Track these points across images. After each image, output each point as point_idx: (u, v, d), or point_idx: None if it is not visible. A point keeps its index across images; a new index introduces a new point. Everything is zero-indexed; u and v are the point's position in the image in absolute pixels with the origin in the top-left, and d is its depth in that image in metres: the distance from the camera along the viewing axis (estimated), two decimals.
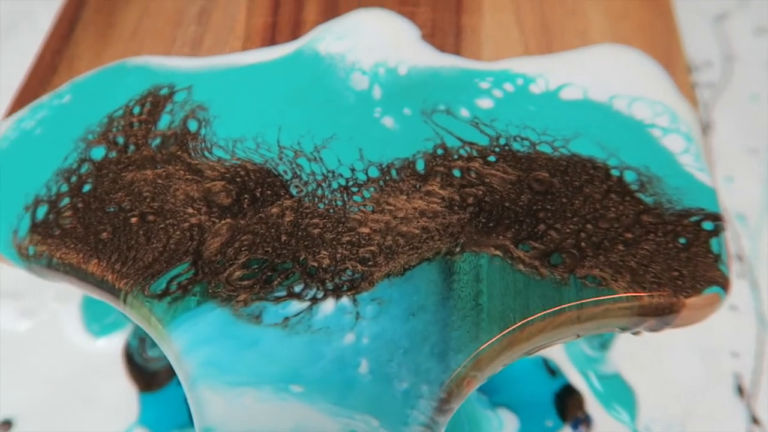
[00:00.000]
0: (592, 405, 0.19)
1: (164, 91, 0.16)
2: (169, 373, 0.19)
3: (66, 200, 0.14)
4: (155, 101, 0.15)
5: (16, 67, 0.25)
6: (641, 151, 0.15)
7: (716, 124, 0.25)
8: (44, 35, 0.24)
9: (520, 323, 0.13)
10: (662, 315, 0.13)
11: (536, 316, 0.13)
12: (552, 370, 0.20)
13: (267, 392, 0.12)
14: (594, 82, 0.16)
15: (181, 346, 0.12)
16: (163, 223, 0.14)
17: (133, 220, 0.14)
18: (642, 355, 0.20)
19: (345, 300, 0.13)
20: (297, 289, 0.13)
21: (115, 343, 0.20)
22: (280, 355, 0.12)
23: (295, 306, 0.13)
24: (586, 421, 0.19)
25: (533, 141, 0.15)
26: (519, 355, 0.13)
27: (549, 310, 0.13)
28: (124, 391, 0.19)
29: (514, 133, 0.15)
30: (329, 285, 0.13)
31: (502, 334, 0.13)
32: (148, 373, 0.19)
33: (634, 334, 0.16)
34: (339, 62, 0.16)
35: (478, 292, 0.13)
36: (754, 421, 0.19)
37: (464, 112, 0.16)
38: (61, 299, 0.20)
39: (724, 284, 0.13)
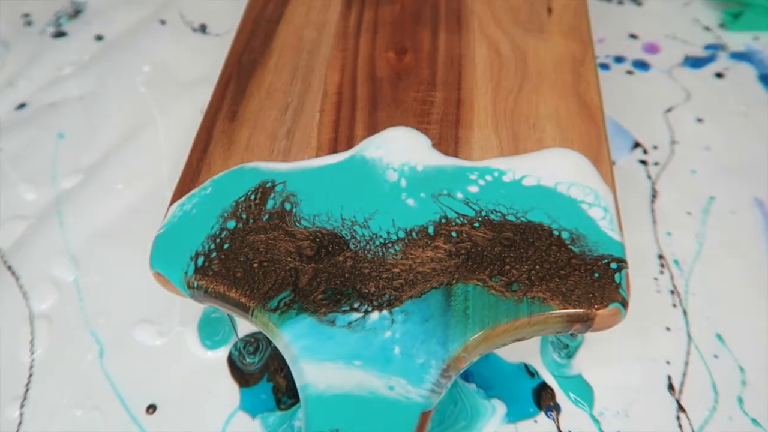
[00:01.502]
0: (561, 397, 0.27)
1: (269, 185, 0.25)
2: (261, 374, 0.28)
3: (214, 254, 0.23)
4: (263, 191, 0.25)
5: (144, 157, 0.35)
6: (574, 219, 0.23)
7: (660, 193, 0.34)
8: (164, 136, 0.34)
9: (492, 326, 0.21)
10: (583, 321, 0.21)
11: (502, 322, 0.21)
12: (531, 373, 0.28)
13: (340, 364, 0.20)
14: (545, 173, 0.25)
15: (288, 340, 0.21)
16: (273, 267, 0.22)
17: (255, 265, 0.23)
18: (598, 364, 0.28)
19: (385, 312, 0.21)
20: (356, 305, 0.21)
21: (221, 354, 0.28)
22: (347, 344, 0.21)
23: (355, 315, 0.21)
24: (556, 408, 0.27)
25: (503, 213, 0.24)
26: (493, 346, 0.21)
27: (510, 320, 0.21)
28: (229, 387, 0.27)
29: (491, 208, 0.24)
30: (375, 303, 0.22)
31: (481, 332, 0.21)
32: (246, 374, 0.28)
33: (571, 335, 0.24)
34: (378, 163, 0.25)
35: (466, 306, 0.21)
36: (681, 409, 0.26)
37: (459, 195, 0.24)
38: (184, 323, 0.29)
39: (623, 303, 0.21)
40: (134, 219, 0.33)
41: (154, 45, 0.42)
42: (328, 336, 0.21)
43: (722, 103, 0.38)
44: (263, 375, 0.28)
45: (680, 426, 0.26)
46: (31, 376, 0.28)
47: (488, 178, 0.25)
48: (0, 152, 0.36)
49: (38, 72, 0.40)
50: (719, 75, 0.40)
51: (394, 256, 0.23)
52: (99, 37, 0.43)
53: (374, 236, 0.23)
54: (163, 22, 0.44)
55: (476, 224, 0.23)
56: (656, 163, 0.35)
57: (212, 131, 0.27)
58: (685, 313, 0.29)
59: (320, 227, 0.23)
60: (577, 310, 0.21)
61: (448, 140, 0.26)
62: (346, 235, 0.23)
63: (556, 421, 0.26)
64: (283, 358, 0.28)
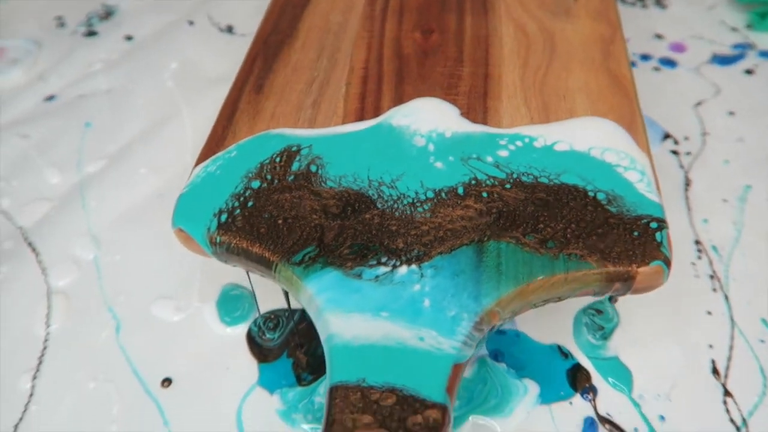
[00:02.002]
0: (597, 380, 0.25)
1: (294, 149, 0.24)
2: (280, 351, 0.27)
3: (238, 211, 0.22)
4: (289, 154, 0.24)
5: (172, 146, 0.35)
6: (609, 181, 0.23)
7: (693, 181, 0.33)
8: (190, 128, 0.34)
9: (527, 282, 0.20)
10: (623, 280, 0.20)
11: (537, 278, 0.20)
12: (565, 354, 0.26)
13: (367, 316, 0.19)
14: (578, 139, 0.24)
15: (313, 292, 0.20)
16: (297, 224, 0.22)
17: (279, 221, 0.22)
18: (636, 346, 0.26)
19: (413, 266, 0.20)
20: (383, 260, 0.21)
21: (240, 331, 0.27)
22: (374, 297, 0.20)
23: (382, 269, 0.20)
24: (593, 390, 0.25)
25: (535, 176, 0.23)
26: (527, 303, 0.20)
27: (546, 276, 0.20)
28: (247, 363, 0.26)
29: (523, 171, 0.23)
30: (403, 258, 0.21)
31: (515, 288, 0.20)
32: (265, 350, 0.27)
33: (610, 300, 0.23)
34: (405, 130, 0.25)
35: (499, 263, 0.20)
36: (727, 393, 0.25)
37: (489, 159, 0.24)
38: (203, 300, 0.28)
39: (665, 261, 0.20)
40: (157, 203, 0.33)
41: (182, 44, 0.42)
42: (354, 289, 0.20)
43: (753, 97, 0.37)
44: (283, 351, 0.27)
45: (728, 411, 0.24)
46: (45, 349, 0.27)
47: (518, 143, 0.24)
48: (27, 139, 0.36)
49: (68, 68, 0.41)
50: (749, 71, 0.39)
51: (423, 215, 0.22)
52: (129, 38, 0.44)
53: (402, 196, 0.22)
54: (191, 23, 0.44)
55: (507, 185, 0.23)
56: (688, 153, 0.34)
57: (238, 103, 0.27)
58: (726, 297, 0.28)
59: (346, 187, 0.23)
60: (618, 268, 0.20)
61: (477, 110, 0.26)
62: (373, 194, 0.23)
63: (593, 403, 0.25)
64: (304, 335, 0.27)
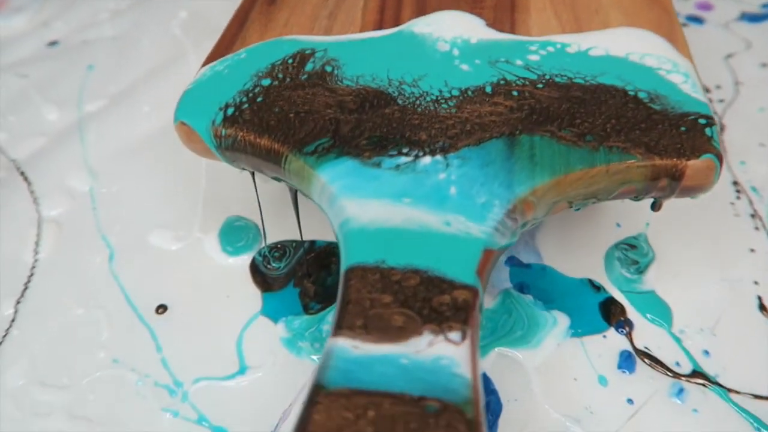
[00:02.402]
0: (632, 315, 0.23)
1: (308, 51, 0.23)
2: (286, 280, 0.24)
3: (246, 105, 0.21)
4: (302, 56, 0.22)
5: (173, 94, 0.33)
6: (651, 82, 0.21)
7: (728, 126, 0.31)
8: (196, 68, 0.33)
9: (564, 173, 0.18)
10: (671, 176, 0.18)
11: (576, 169, 0.18)
12: (596, 287, 0.24)
13: (386, 201, 0.17)
14: (614, 45, 0.22)
15: (326, 179, 0.18)
16: (310, 117, 0.20)
17: (291, 115, 0.20)
18: (674, 282, 0.24)
19: (438, 156, 0.18)
20: (404, 150, 0.19)
21: (243, 261, 0.25)
22: (394, 184, 0.18)
23: (404, 159, 0.18)
24: (628, 324, 0.23)
25: (570, 77, 0.21)
26: (565, 196, 0.18)
27: (585, 167, 0.18)
28: (250, 292, 0.24)
29: (556, 72, 0.21)
30: (427, 149, 0.19)
31: (552, 178, 0.18)
32: (270, 279, 0.24)
33: (654, 207, 0.21)
34: (428, 36, 0.23)
35: (533, 154, 0.18)
36: None
37: (519, 62, 0.22)
38: (204, 231, 0.26)
39: (717, 155, 0.18)
40: (160, 139, 0.31)
41: None
42: (372, 176, 0.18)
43: None
44: (289, 281, 0.24)
45: None
46: (31, 276, 0.25)
47: (550, 49, 0.22)
48: (26, 78, 0.35)
49: (73, 16, 0.40)
50: None
51: (448, 110, 0.20)
52: None
53: (425, 93, 0.21)
54: None
55: (539, 86, 0.21)
56: (721, 101, 0.32)
57: (250, 13, 0.25)
58: None
59: (364, 86, 0.21)
60: (665, 161, 0.18)
61: (504, 21, 0.24)
62: (393, 92, 0.21)
63: (629, 336, 0.22)
64: (312, 265, 0.25)
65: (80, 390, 0.22)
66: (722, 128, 0.31)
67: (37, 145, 0.31)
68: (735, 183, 0.28)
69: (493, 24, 0.24)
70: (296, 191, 0.22)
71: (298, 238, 0.25)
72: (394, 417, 0.13)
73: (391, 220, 0.17)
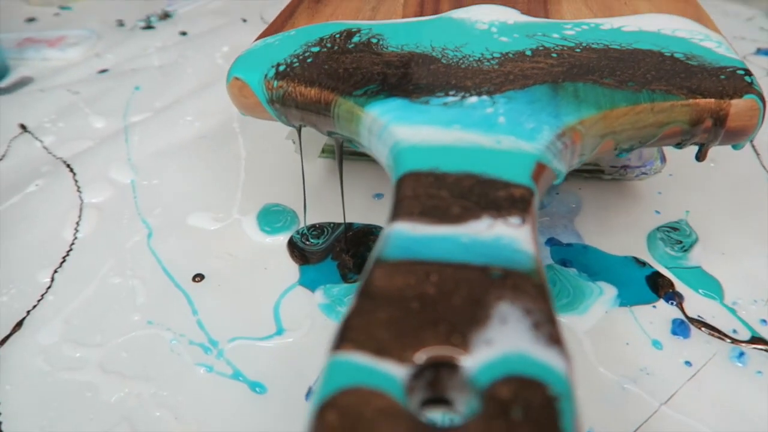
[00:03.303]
0: (681, 288, 0.22)
1: (354, 29, 0.24)
2: (324, 254, 0.24)
3: (296, 63, 0.22)
4: (349, 32, 0.24)
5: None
6: (685, 46, 0.21)
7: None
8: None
9: (609, 108, 0.18)
10: (715, 115, 0.18)
11: (620, 106, 0.18)
12: (641, 263, 0.23)
13: (436, 127, 0.18)
14: (646, 23, 0.23)
15: (376, 114, 0.19)
16: (359, 71, 0.21)
17: (340, 71, 0.21)
18: (722, 258, 0.23)
19: (484, 97, 0.19)
20: (451, 92, 0.19)
21: (281, 240, 0.25)
22: (443, 115, 0.18)
23: (451, 98, 0.19)
24: (678, 296, 0.22)
25: (606, 44, 0.22)
26: (612, 131, 0.18)
27: (630, 104, 0.18)
28: (288, 266, 0.24)
29: (592, 41, 0.22)
30: (473, 92, 0.19)
31: (598, 112, 0.18)
32: (308, 254, 0.24)
33: (699, 157, 0.21)
34: (466, 20, 0.24)
35: (577, 94, 0.19)
36: None
37: (555, 35, 0.23)
38: (243, 212, 0.27)
39: (759, 95, 0.19)
40: (200, 143, 0.32)
41: (234, 35, 0.44)
42: (421, 110, 0.18)
43: None
44: (326, 255, 0.24)
45: None
46: (70, 251, 0.25)
47: (584, 27, 0.23)
48: (77, 95, 0.37)
49: (124, 50, 0.43)
50: None
51: (491, 66, 0.21)
52: (183, 33, 0.45)
53: (467, 56, 0.21)
54: (244, 21, 0.46)
55: (577, 50, 0.22)
56: None
57: (296, 8, 0.27)
58: None
59: (409, 51, 0.22)
60: (708, 101, 0.18)
61: (537, 10, 0.25)
62: (437, 55, 0.22)
63: (681, 306, 0.22)
64: (351, 241, 0.25)
65: (113, 348, 0.21)
66: None
67: (83, 146, 0.32)
68: None
69: (528, 13, 0.25)
70: (341, 149, 0.23)
71: (335, 222, 0.25)
72: (457, 280, 0.12)
73: (442, 140, 0.17)
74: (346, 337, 0.11)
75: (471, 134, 0.17)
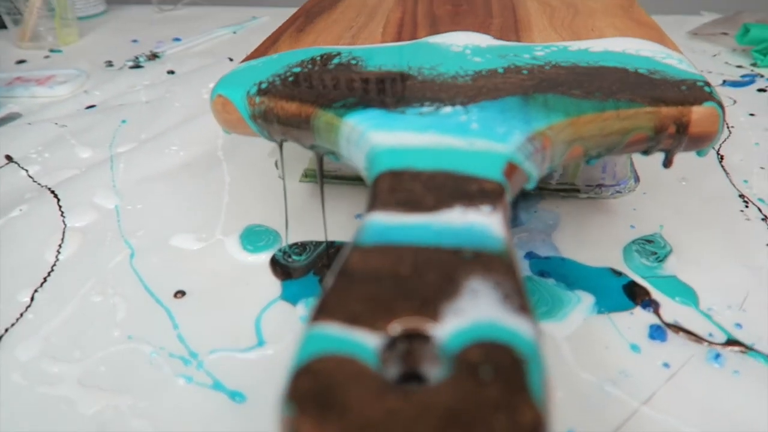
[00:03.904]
0: (657, 296, 0.23)
1: (334, 53, 0.25)
2: (305, 270, 0.24)
3: (278, 81, 0.22)
4: (329, 55, 0.25)
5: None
6: (648, 64, 0.23)
7: (726, 156, 0.32)
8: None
9: (577, 115, 0.19)
10: (678, 122, 0.19)
11: (588, 112, 0.19)
12: (617, 273, 0.24)
13: (411, 132, 0.18)
14: (611, 45, 0.25)
15: (354, 123, 0.19)
16: (338, 86, 0.22)
17: (320, 87, 0.22)
18: (695, 269, 0.24)
19: (458, 106, 0.20)
20: (426, 103, 0.20)
21: (263, 258, 0.25)
22: (419, 123, 0.19)
23: (427, 108, 0.20)
24: (654, 303, 0.22)
25: (574, 62, 0.23)
26: (579, 137, 0.19)
27: (597, 112, 0.19)
28: (270, 282, 0.24)
29: (560, 60, 0.23)
30: (447, 103, 0.20)
31: (566, 118, 0.19)
32: (290, 269, 0.24)
33: (666, 165, 0.21)
34: (441, 44, 0.26)
35: (546, 104, 0.20)
36: None
37: (526, 56, 0.24)
38: (225, 233, 0.27)
39: (718, 103, 0.20)
40: (185, 170, 0.32)
41: (221, 72, 0.45)
42: (397, 119, 0.19)
43: None
44: (308, 271, 0.24)
45: None
46: (51, 271, 0.25)
47: (553, 48, 0.25)
48: (64, 128, 0.37)
49: (112, 88, 0.44)
50: (762, 90, 0.41)
51: (465, 82, 0.22)
52: (171, 72, 0.47)
53: (442, 74, 0.22)
54: (230, 59, 0.48)
55: (546, 68, 0.23)
56: None
57: (280, 37, 0.28)
58: None
59: (387, 70, 0.23)
60: (671, 108, 0.19)
61: (509, 35, 0.27)
62: (414, 73, 0.23)
63: (657, 313, 0.22)
64: (333, 256, 0.25)
65: (92, 362, 0.21)
66: (722, 157, 0.32)
67: (68, 175, 0.32)
68: (741, 196, 0.29)
69: (500, 38, 0.26)
70: (322, 162, 0.23)
71: (317, 240, 0.26)
72: (430, 261, 0.13)
73: (417, 143, 0.18)
74: (322, 310, 0.11)
75: (445, 138, 0.18)
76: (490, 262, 0.13)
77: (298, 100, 0.21)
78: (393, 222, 0.14)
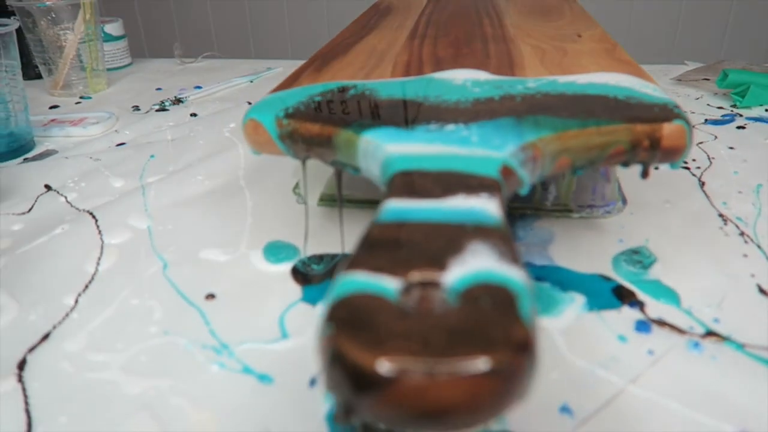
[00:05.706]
0: (642, 297, 0.25)
1: (350, 85, 0.28)
2: (324, 277, 0.27)
3: (302, 107, 0.26)
4: (346, 87, 0.28)
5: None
6: (627, 92, 0.26)
7: (707, 182, 0.35)
8: (244, 156, 0.39)
9: (563, 131, 0.22)
10: (651, 137, 0.22)
11: (573, 128, 0.22)
12: (607, 278, 0.26)
13: (420, 143, 0.21)
14: (596, 78, 0.28)
15: (370, 138, 0.22)
16: (354, 110, 0.25)
17: (339, 111, 0.25)
18: (678, 274, 0.26)
19: (460, 124, 0.23)
20: (432, 122, 0.23)
21: (285, 268, 0.28)
22: (427, 137, 0.22)
23: (433, 126, 0.23)
24: (640, 303, 0.25)
25: (561, 91, 0.26)
26: (566, 150, 0.22)
27: (580, 129, 0.22)
28: (291, 287, 0.26)
29: (550, 90, 0.27)
30: (450, 122, 0.23)
31: (554, 133, 0.22)
32: (309, 277, 0.27)
33: (643, 176, 0.24)
34: (445, 79, 0.29)
35: (537, 122, 0.23)
36: None
37: (519, 87, 0.27)
38: (250, 247, 0.29)
39: (686, 121, 0.23)
40: (210, 196, 0.35)
41: (241, 114, 0.49)
42: (408, 134, 0.22)
43: (749, 140, 0.41)
44: (327, 277, 0.27)
45: None
46: (92, 280, 0.28)
47: (543, 81, 0.28)
48: (98, 161, 0.41)
49: (140, 127, 0.47)
50: (741, 127, 0.44)
51: (465, 107, 0.25)
52: (194, 114, 0.51)
53: (446, 101, 0.26)
54: (249, 103, 0.52)
55: (537, 96, 0.26)
56: (698, 167, 0.37)
57: (301, 75, 0.32)
58: (759, 246, 0.29)
59: (397, 98, 0.26)
60: (644, 125, 0.22)
61: (504, 71, 0.30)
62: (420, 100, 0.26)
63: (642, 310, 0.24)
64: None
65: (133, 353, 0.23)
66: (703, 183, 0.35)
67: (103, 200, 0.35)
68: (721, 215, 0.31)
69: (497, 73, 0.30)
70: (340, 176, 0.26)
71: (334, 252, 0.28)
72: (439, 232, 0.15)
73: (426, 151, 0.21)
74: (352, 264, 0.14)
75: (449, 147, 0.21)
76: (488, 232, 0.15)
77: (321, 121, 0.24)
78: (406, 206, 0.17)
